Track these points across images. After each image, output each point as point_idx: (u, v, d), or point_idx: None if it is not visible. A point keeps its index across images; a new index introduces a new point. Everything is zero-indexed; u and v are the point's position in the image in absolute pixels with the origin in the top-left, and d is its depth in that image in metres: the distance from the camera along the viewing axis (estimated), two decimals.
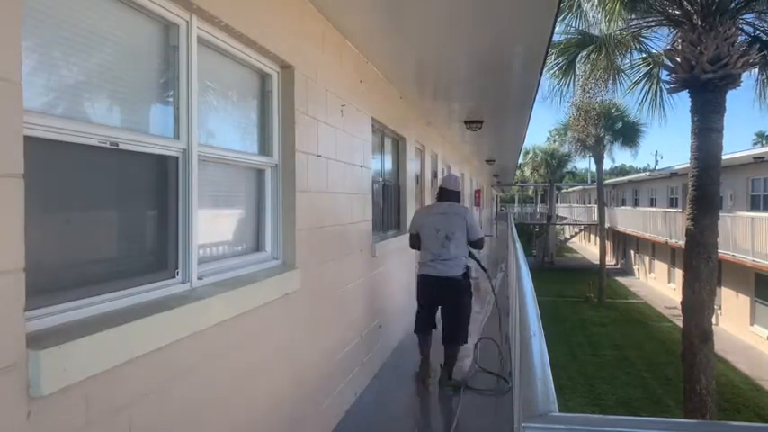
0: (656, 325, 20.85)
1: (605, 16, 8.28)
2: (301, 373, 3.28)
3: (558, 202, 46.97)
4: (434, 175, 9.50)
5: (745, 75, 8.26)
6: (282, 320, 3.04)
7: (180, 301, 2.14)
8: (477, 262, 5.24)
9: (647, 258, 29.66)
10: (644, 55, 9.51)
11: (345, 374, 4.14)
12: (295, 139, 3.23)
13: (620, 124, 26.49)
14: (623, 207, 35.17)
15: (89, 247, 1.92)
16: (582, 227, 41.03)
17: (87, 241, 1.91)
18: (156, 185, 2.26)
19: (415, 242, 4.89)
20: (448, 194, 4.90)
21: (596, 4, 8.31)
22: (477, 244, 4.84)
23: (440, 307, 4.72)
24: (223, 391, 2.39)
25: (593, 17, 8.40)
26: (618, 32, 8.76)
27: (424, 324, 4.75)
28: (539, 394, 1.24)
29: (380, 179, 5.94)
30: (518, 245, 6.09)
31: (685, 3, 8.10)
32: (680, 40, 8.28)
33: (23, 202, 1.42)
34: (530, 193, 57.23)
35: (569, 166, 42.20)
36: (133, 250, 2.15)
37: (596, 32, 8.90)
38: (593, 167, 30.16)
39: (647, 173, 32.67)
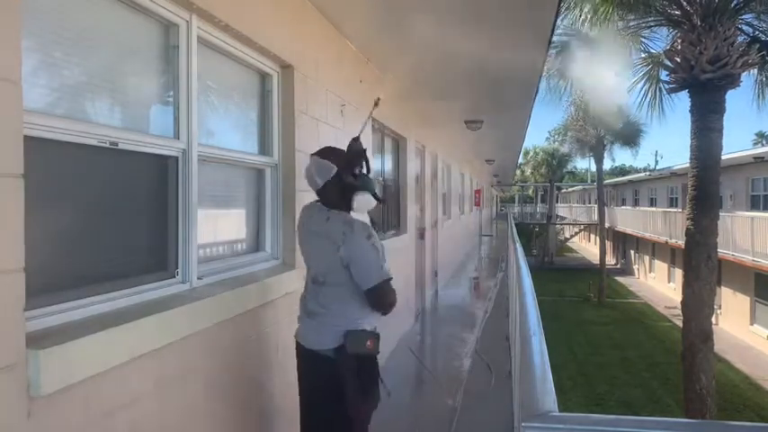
0: (656, 325, 20.85)
1: (597, 20, 8.26)
2: None
3: (557, 202, 46.96)
4: (434, 174, 9.49)
5: (744, 75, 8.26)
6: (283, 320, 3.04)
7: (180, 301, 2.14)
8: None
9: (647, 258, 29.65)
10: (643, 55, 9.52)
11: None
12: (295, 139, 3.23)
13: (619, 124, 26.47)
14: (623, 207, 35.15)
15: (89, 247, 1.92)
16: (582, 227, 40.99)
17: (87, 241, 1.91)
18: (156, 185, 2.26)
19: None
20: (323, 190, 2.45)
21: (588, 10, 8.30)
22: (373, 298, 2.30)
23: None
24: (224, 390, 2.39)
25: (586, 15, 8.37)
26: (617, 32, 8.74)
27: None
28: (539, 394, 1.24)
29: (380, 179, 5.94)
30: (518, 245, 6.08)
31: (685, 3, 8.10)
32: (679, 41, 8.28)
33: (23, 202, 1.42)
34: (530, 192, 57.15)
35: (569, 166, 42.23)
36: (133, 250, 2.15)
37: (593, 33, 8.89)
38: (594, 167, 30.18)
39: (647, 173, 32.66)
